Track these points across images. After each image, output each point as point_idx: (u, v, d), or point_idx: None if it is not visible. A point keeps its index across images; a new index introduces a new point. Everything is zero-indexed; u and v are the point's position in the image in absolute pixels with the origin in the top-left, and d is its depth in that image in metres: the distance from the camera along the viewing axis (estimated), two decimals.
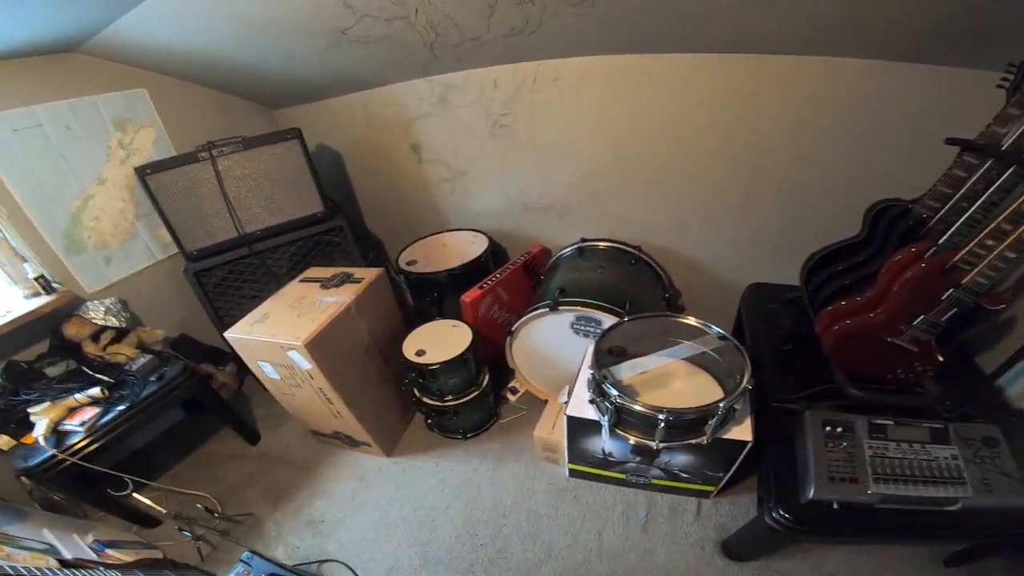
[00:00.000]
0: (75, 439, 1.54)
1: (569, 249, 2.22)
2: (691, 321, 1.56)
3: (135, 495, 1.70)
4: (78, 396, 1.61)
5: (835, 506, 1.11)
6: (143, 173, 1.76)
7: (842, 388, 1.36)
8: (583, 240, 2.24)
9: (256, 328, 1.60)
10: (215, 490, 1.93)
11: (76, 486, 1.60)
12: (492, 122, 2.14)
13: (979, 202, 1.14)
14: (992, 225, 1.07)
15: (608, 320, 1.69)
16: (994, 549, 1.34)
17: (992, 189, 1.12)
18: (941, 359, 1.25)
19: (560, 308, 1.73)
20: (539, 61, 1.86)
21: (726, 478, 1.52)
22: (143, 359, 1.80)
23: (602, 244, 2.19)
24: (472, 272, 2.14)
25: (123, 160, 1.95)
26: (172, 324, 2.23)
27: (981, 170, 1.15)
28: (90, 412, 1.60)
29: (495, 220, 2.51)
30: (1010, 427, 1.19)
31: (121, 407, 1.63)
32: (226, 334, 1.61)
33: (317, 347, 1.52)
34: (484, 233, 2.42)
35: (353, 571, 1.62)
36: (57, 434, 1.55)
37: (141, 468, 1.83)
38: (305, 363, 1.54)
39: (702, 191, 1.97)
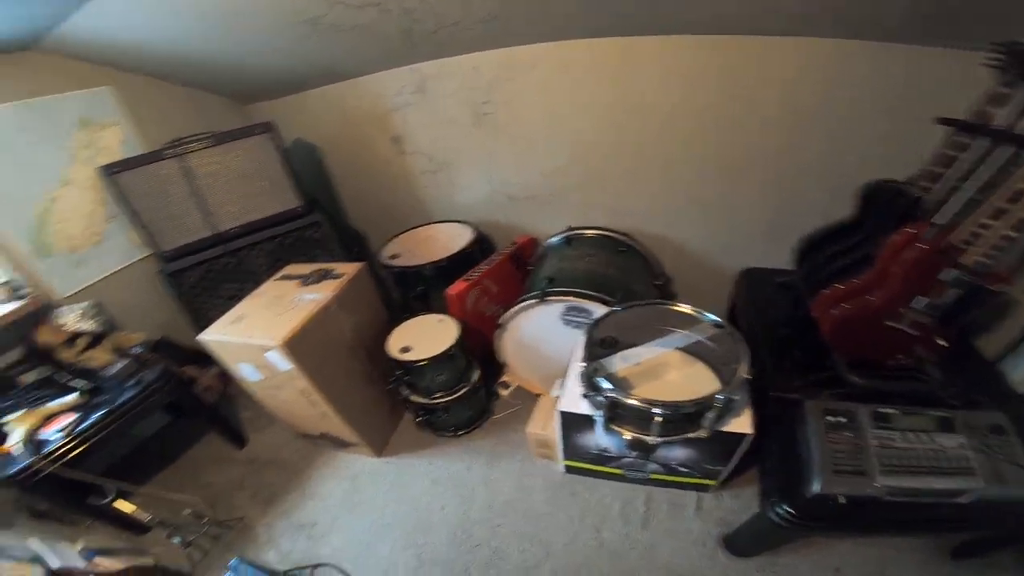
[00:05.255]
0: (53, 447, 1.49)
1: (557, 238, 2.16)
2: (685, 309, 1.51)
3: (118, 502, 1.65)
4: (53, 403, 1.57)
5: (842, 500, 1.06)
6: (109, 172, 1.69)
7: (842, 375, 1.32)
8: (571, 228, 2.18)
9: (231, 329, 1.53)
10: (204, 495, 1.88)
11: (57, 494, 1.55)
12: (474, 111, 2.07)
13: (974, 181, 1.10)
14: (991, 204, 1.03)
15: (599, 310, 1.63)
16: (1004, 540, 1.30)
17: (988, 168, 1.08)
18: (943, 344, 1.21)
19: (549, 299, 1.68)
20: (519, 47, 1.79)
21: (726, 472, 1.48)
22: (120, 364, 1.74)
23: (590, 232, 2.14)
24: (458, 264, 2.07)
25: (89, 160, 1.86)
26: (153, 327, 2.15)
27: (974, 149, 1.11)
28: (67, 419, 1.55)
29: (481, 211, 2.45)
30: (1015, 414, 1.15)
31: (99, 413, 1.58)
32: (200, 337, 1.55)
33: (296, 347, 1.46)
34: (470, 224, 2.35)
35: (347, 575, 1.59)
36: (34, 442, 1.50)
37: (126, 474, 1.76)
38: (284, 364, 1.48)
39: (686, 174, 1.93)
